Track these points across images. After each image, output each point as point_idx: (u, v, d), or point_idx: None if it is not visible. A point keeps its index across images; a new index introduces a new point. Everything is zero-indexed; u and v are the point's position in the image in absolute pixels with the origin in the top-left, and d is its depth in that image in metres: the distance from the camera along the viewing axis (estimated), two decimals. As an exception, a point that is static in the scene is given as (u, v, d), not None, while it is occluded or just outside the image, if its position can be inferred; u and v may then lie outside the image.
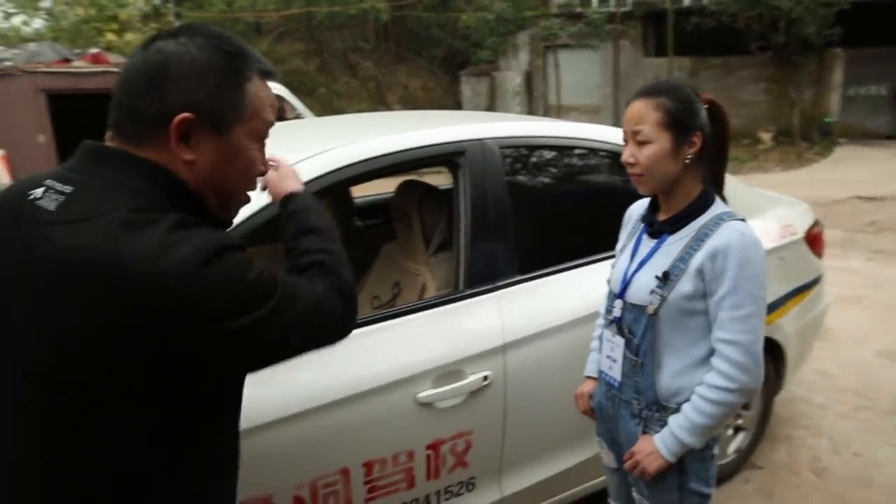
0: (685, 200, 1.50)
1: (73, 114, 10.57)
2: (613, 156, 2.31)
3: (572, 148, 2.25)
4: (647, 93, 1.47)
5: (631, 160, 1.47)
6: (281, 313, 0.90)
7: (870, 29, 13.29)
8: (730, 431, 2.73)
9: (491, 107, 19.14)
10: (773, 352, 2.69)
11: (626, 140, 1.50)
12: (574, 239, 2.21)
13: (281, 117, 13.08)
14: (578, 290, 2.05)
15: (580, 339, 1.98)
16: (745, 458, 2.84)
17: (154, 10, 16.62)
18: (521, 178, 2.16)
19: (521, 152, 2.14)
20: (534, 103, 18.04)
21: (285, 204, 1.19)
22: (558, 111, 15.77)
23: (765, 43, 13.69)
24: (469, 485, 1.96)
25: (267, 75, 0.97)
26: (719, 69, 14.92)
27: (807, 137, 14.06)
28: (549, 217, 2.23)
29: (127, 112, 0.90)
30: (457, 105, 20.74)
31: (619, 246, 1.71)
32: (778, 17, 13.03)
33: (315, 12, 20.37)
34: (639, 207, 1.71)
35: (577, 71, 16.15)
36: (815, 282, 2.81)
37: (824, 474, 2.83)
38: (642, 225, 1.61)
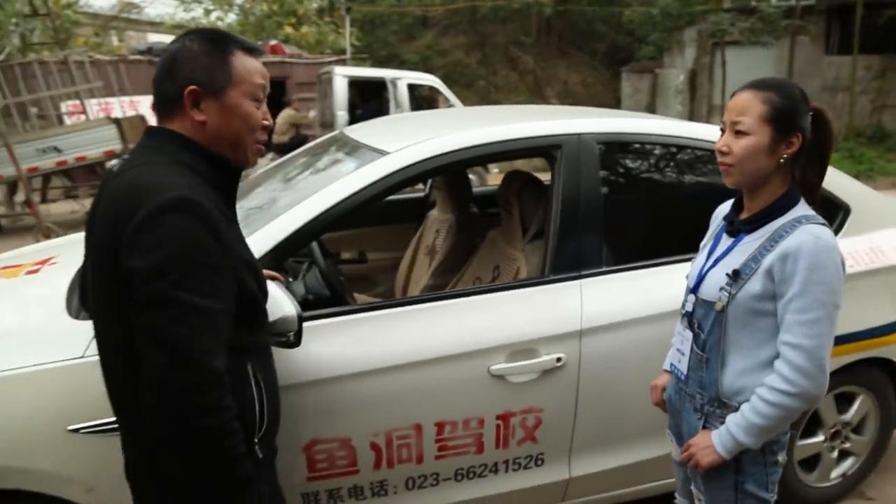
0: (768, 200, 1.50)
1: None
2: (711, 156, 2.30)
3: (670, 146, 2.28)
4: (755, 86, 1.48)
5: (724, 149, 1.48)
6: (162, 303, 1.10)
7: None
8: (835, 454, 2.60)
9: (651, 105, 18.48)
10: (893, 375, 2.52)
11: (722, 129, 1.52)
12: (663, 237, 2.24)
13: (434, 107, 13.59)
14: (661, 286, 2.08)
15: (658, 334, 2.03)
16: (851, 486, 2.68)
17: (329, 5, 17.91)
18: (617, 173, 2.23)
19: (619, 148, 2.22)
20: (696, 102, 17.16)
21: None
22: (722, 112, 14.87)
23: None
24: (538, 460, 2.09)
25: (250, 51, 1.29)
26: (916, 70, 13.28)
27: None
28: (641, 213, 2.28)
29: (157, 97, 1.28)
30: (616, 102, 20.25)
31: (702, 243, 1.75)
32: None
33: (479, 6, 20.81)
34: (725, 207, 1.73)
35: (747, 70, 15.04)
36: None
37: (946, 517, 2.60)
38: (723, 223, 1.65)
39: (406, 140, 2.03)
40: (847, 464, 2.65)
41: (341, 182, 1.92)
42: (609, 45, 22.17)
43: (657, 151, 2.30)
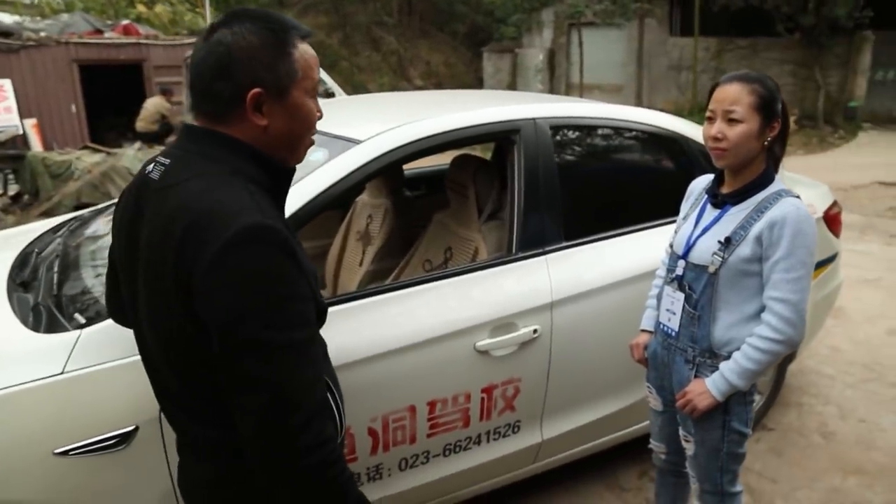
0: (751, 176, 1.72)
1: (103, 84, 10.89)
2: (651, 136, 2.53)
3: (613, 128, 2.48)
4: (741, 78, 1.68)
5: (719, 135, 1.66)
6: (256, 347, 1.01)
7: (900, 13, 13.16)
8: (746, 394, 2.97)
9: (512, 84, 19.18)
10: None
11: (711, 118, 1.71)
12: (614, 210, 2.44)
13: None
14: (617, 257, 2.29)
15: (621, 300, 2.24)
16: (757, 421, 3.08)
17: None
18: (569, 154, 2.39)
19: (569, 131, 2.38)
20: (555, 81, 18.07)
21: None
22: (581, 90, 15.82)
23: (792, 25, 13.62)
24: (515, 427, 2.22)
25: (306, 36, 1.16)
26: (745, 50, 14.88)
27: (831, 121, 14.05)
28: (593, 190, 2.47)
29: (203, 96, 1.12)
30: (478, 82, 20.77)
31: (681, 215, 1.94)
32: (807, -2, 12.96)
33: (340, -15, 20.41)
34: (702, 181, 1.94)
35: (601, 49, 16.15)
36: (830, 259, 3.02)
37: (831, 437, 3.07)
38: (706, 196, 1.85)
39: (373, 128, 2.04)
40: (755, 402, 3.05)
41: (316, 174, 1.90)
42: (470, 26, 22.64)
43: (602, 133, 2.49)
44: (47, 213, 6.43)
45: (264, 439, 1.04)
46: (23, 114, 9.67)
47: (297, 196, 1.83)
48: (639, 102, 14.80)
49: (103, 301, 1.82)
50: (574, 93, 16.51)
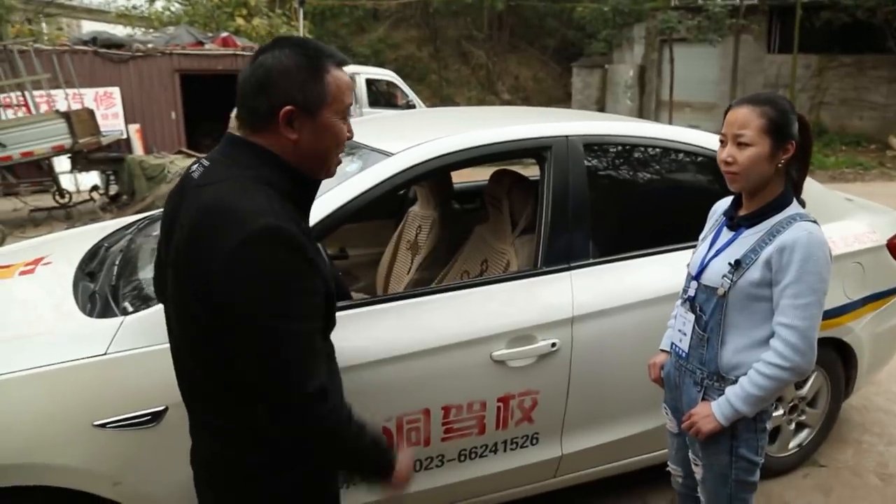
0: (766, 199, 1.70)
1: (200, 92, 11.65)
2: (687, 155, 2.50)
3: (647, 147, 2.47)
4: (751, 101, 1.67)
5: (729, 159, 1.66)
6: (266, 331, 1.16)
7: None
8: (792, 426, 2.84)
9: (601, 100, 18.94)
10: (844, 354, 2.78)
11: (723, 141, 1.70)
12: (644, 231, 2.42)
13: (393, 103, 13.51)
14: (644, 276, 2.28)
15: (642, 320, 2.22)
16: (806, 455, 2.94)
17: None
18: (601, 172, 2.40)
19: (603, 149, 2.39)
20: (645, 98, 17.70)
21: None
22: (670, 107, 15.42)
23: (904, 41, 12.75)
24: (533, 439, 2.25)
25: (341, 63, 1.28)
26: (849, 67, 14.05)
27: (944, 145, 13.00)
28: (623, 209, 2.47)
29: (246, 110, 1.26)
30: (567, 97, 20.65)
31: (701, 235, 1.93)
32: (921, 13, 12.12)
33: (431, 0, 20.88)
34: (724, 203, 1.92)
35: (693, 66, 15.68)
36: (895, 290, 2.85)
37: (889, 480, 2.88)
38: (724, 218, 1.83)
39: (407, 141, 2.14)
40: (803, 435, 2.92)
41: (349, 182, 2.02)
42: (560, 41, 22.59)
43: (636, 152, 2.48)
44: (141, 213, 6.94)
45: (281, 414, 1.20)
46: (127, 119, 10.50)
47: (330, 202, 1.97)
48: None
49: (147, 292, 2.02)
50: (664, 110, 16.11)
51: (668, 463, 2.09)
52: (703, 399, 1.76)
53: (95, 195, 8.84)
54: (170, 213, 1.36)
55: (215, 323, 1.19)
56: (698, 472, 1.83)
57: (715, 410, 1.70)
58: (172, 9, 17.39)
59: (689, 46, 15.26)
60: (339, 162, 1.37)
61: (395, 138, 2.20)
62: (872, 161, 12.40)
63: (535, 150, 2.24)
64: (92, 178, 9.19)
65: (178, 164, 8.11)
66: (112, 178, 8.78)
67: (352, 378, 1.89)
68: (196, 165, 1.34)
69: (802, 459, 2.93)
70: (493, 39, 22.52)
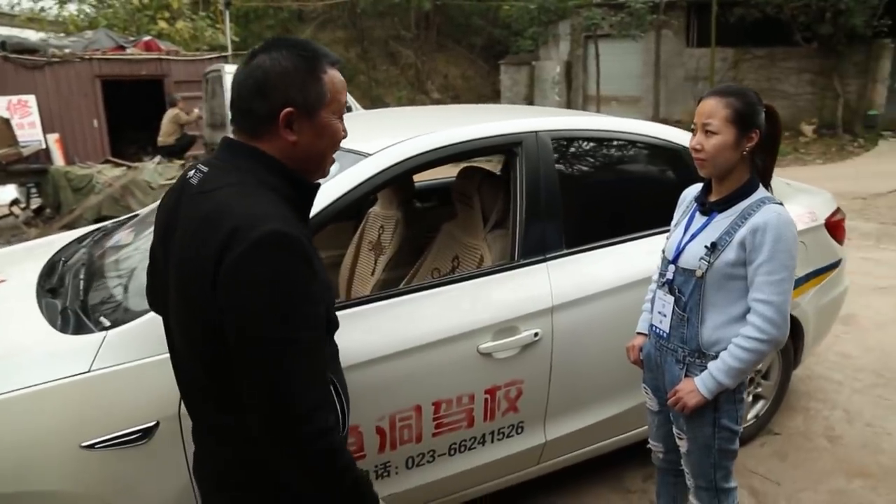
0: (735, 185, 1.81)
1: (124, 99, 11.17)
2: (649, 147, 2.62)
3: (614, 140, 2.57)
4: (719, 93, 1.79)
5: (698, 147, 1.78)
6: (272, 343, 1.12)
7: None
8: (749, 398, 3.02)
9: (529, 96, 19.30)
10: (793, 328, 2.96)
11: (694, 130, 1.82)
12: (614, 219, 2.53)
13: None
14: (617, 263, 2.38)
15: (618, 304, 2.32)
16: (762, 425, 3.13)
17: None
18: (570, 165, 2.49)
19: (570, 143, 2.47)
20: (573, 93, 18.14)
21: None
22: (598, 102, 15.88)
23: (810, 34, 13.60)
24: (518, 428, 2.30)
25: (335, 64, 1.28)
26: (762, 60, 14.86)
27: (850, 130, 13.97)
28: (593, 200, 2.56)
29: (243, 113, 1.25)
30: (495, 94, 20.93)
31: (673, 221, 2.04)
32: (825, 7, 12.95)
33: (358, 0, 20.72)
34: (693, 190, 2.03)
35: (618, 61, 16.20)
36: (833, 265, 3.06)
37: (837, 441, 3.10)
38: (695, 204, 1.94)
39: (383, 141, 2.15)
40: (759, 406, 3.10)
41: (327, 185, 2.01)
42: (486, 39, 22.85)
43: (602, 145, 2.58)
44: (68, 226, 6.63)
45: (271, 428, 1.16)
46: (46, 129, 9.92)
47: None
48: (656, 113, 14.80)
49: (126, 305, 1.95)
50: (591, 105, 16.57)
51: (649, 440, 2.18)
52: (686, 376, 1.86)
53: (16, 209, 8.37)
54: (165, 220, 1.33)
55: (221, 330, 1.17)
56: (683, 444, 1.93)
57: (699, 385, 1.80)
58: (88, 11, 16.58)
59: (613, 42, 15.76)
60: (333, 162, 1.38)
61: (370, 138, 2.21)
62: (787, 147, 13.16)
63: (508, 145, 2.30)
64: (10, 191, 8.70)
65: (106, 173, 7.78)
66: (34, 190, 8.33)
67: (347, 380, 1.91)
68: (193, 171, 1.31)
69: (759, 429, 3.12)
70: (420, 39, 22.57)
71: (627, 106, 16.17)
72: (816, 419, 3.29)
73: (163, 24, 14.53)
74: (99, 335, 1.78)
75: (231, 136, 1.33)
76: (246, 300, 1.13)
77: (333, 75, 1.28)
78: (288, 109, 1.22)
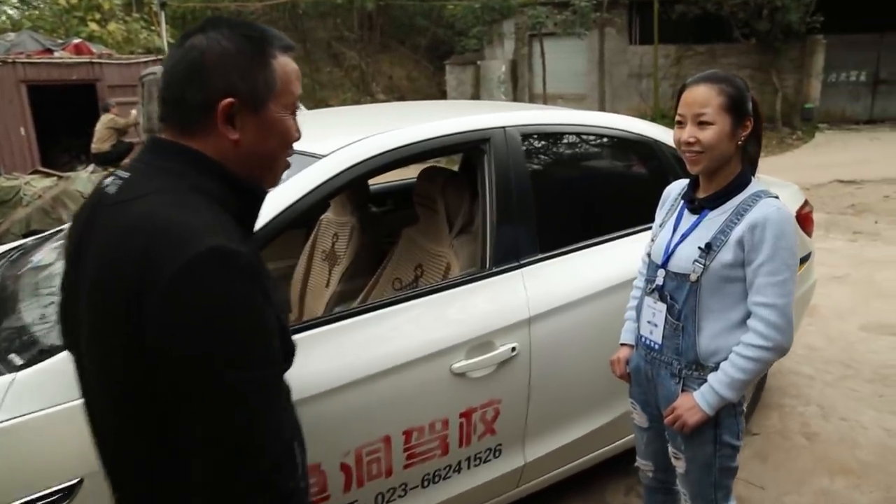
0: (727, 179, 1.65)
1: (54, 105, 10.53)
2: (623, 142, 2.47)
3: (585, 134, 2.40)
4: (708, 79, 1.61)
5: (692, 139, 1.60)
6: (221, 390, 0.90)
7: (850, 17, 13.58)
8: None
9: (476, 96, 19.22)
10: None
11: (682, 122, 1.63)
12: (590, 218, 2.36)
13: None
14: (597, 265, 2.21)
15: (600, 311, 2.16)
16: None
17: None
18: (541, 162, 2.31)
19: (541, 138, 2.29)
20: (519, 92, 18.16)
21: None
22: (544, 100, 15.91)
23: (748, 30, 13.93)
24: (496, 451, 2.11)
25: (288, 49, 1.07)
26: (703, 56, 15.16)
27: (789, 123, 14.36)
28: (567, 198, 2.39)
29: (173, 105, 1.03)
30: (441, 94, 20.80)
31: (657, 221, 1.86)
32: (762, 4, 13.29)
33: (299, 1, 20.26)
34: (677, 186, 1.86)
35: (563, 59, 16.28)
36: (804, 259, 2.98)
37: (814, 438, 3.03)
38: (682, 201, 1.77)
39: (337, 141, 1.93)
40: (737, 407, 2.99)
41: (276, 192, 1.77)
42: (431, 39, 22.69)
43: (574, 140, 2.41)
44: (-5, 242, 6.13)
45: (220, 492, 0.92)
46: (-35, 137, 9.30)
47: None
48: (601, 110, 14.88)
49: (43, 340, 1.67)
50: (537, 103, 16.60)
51: (637, 458, 2.02)
52: (684, 390, 1.70)
53: (-67, 226, 7.73)
54: (76, 240, 1.07)
55: (152, 373, 0.92)
56: (680, 465, 1.77)
57: (699, 400, 1.64)
58: (11, 13, 15.67)
59: (557, 40, 15.82)
60: (288, 166, 1.14)
61: (322, 138, 1.98)
62: (730, 141, 13.42)
63: (474, 142, 2.10)
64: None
65: (35, 184, 7.25)
66: (-47, 204, 7.71)
67: (304, 414, 1.67)
68: (111, 179, 1.06)
69: (738, 431, 3.01)
70: (364, 40, 22.23)
71: (573, 103, 16.25)
72: (792, 416, 3.22)
73: (94, 27, 13.83)
74: (7, 377, 1.50)
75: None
76: (181, 335, 0.89)
77: (286, 62, 1.06)
78: (228, 100, 1.00)
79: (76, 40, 11.55)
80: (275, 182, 1.13)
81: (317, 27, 22.30)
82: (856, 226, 6.97)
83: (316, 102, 19.93)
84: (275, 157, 1.09)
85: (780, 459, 2.88)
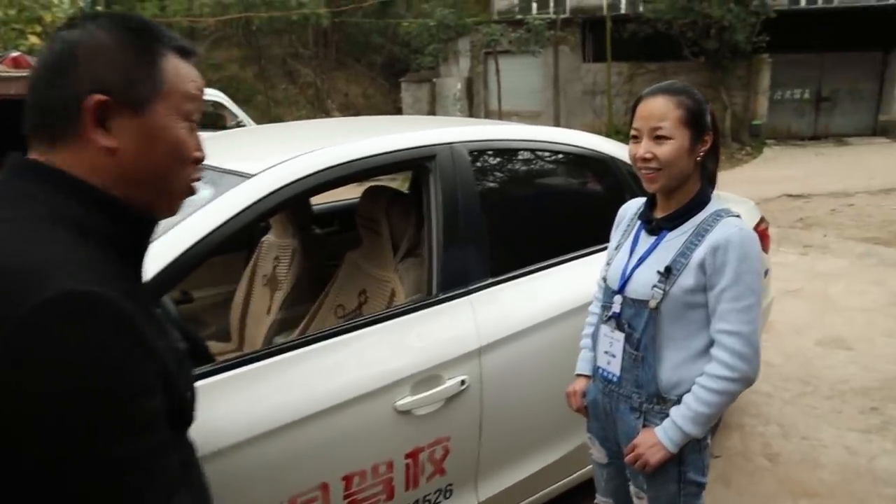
0: (686, 197, 1.54)
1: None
2: (577, 158, 2.36)
3: (537, 151, 2.29)
4: (666, 91, 1.51)
5: (648, 155, 1.48)
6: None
7: (794, 36, 14.05)
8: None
9: (432, 113, 19.19)
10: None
11: (637, 136, 1.52)
12: (544, 239, 2.24)
13: (221, 125, 12.68)
14: (550, 290, 2.08)
15: (555, 338, 2.03)
16: (704, 450, 2.93)
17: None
18: (490, 181, 2.18)
19: (490, 155, 2.17)
20: (474, 109, 18.19)
21: None
22: (499, 117, 15.95)
23: (698, 49, 14.26)
24: (447, 492, 1.95)
25: (184, 53, 0.92)
26: (655, 74, 15.42)
27: (738, 139, 14.71)
28: (518, 218, 2.26)
29: (39, 111, 0.86)
30: (397, 111, 20.72)
31: (612, 244, 1.74)
32: (710, 24, 13.62)
33: (253, 17, 19.98)
34: (633, 206, 1.75)
35: (518, 77, 16.39)
36: (763, 276, 2.93)
37: (776, 459, 2.96)
38: (639, 222, 1.65)
39: (268, 159, 1.76)
40: (698, 431, 2.90)
41: (198, 215, 1.60)
42: (386, 57, 22.64)
43: (526, 156, 2.29)
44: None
45: None
46: None
47: (177, 241, 1.54)
48: (557, 126, 15.05)
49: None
50: (493, 118, 16.64)
51: (597, 495, 1.89)
52: (645, 425, 1.58)
53: None
54: None
55: None
56: (643, 504, 1.65)
57: (661, 437, 1.52)
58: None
59: (512, 58, 15.92)
60: (191, 192, 0.96)
61: (252, 156, 1.82)
62: (682, 157, 13.67)
63: (419, 160, 1.96)
64: None
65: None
66: None
67: (226, 464, 1.49)
68: None
69: (700, 455, 2.92)
70: (319, 57, 22.03)
71: (528, 121, 16.33)
72: (753, 436, 3.15)
73: (34, 40, 13.27)
74: None
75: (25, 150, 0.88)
76: (33, 402, 0.70)
77: (178, 63, 0.89)
78: (98, 97, 0.82)
79: (14, 53, 11.07)
80: (171, 209, 0.95)
81: (272, 44, 22.03)
82: (806, 239, 7.07)
83: (271, 119, 19.59)
84: (165, 175, 0.90)
85: (743, 483, 2.80)
